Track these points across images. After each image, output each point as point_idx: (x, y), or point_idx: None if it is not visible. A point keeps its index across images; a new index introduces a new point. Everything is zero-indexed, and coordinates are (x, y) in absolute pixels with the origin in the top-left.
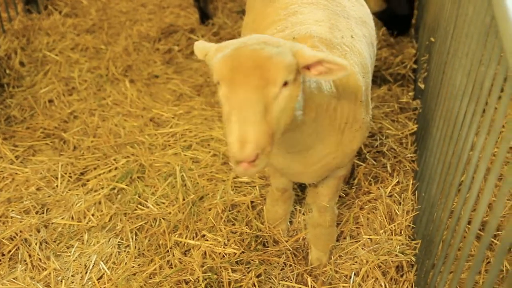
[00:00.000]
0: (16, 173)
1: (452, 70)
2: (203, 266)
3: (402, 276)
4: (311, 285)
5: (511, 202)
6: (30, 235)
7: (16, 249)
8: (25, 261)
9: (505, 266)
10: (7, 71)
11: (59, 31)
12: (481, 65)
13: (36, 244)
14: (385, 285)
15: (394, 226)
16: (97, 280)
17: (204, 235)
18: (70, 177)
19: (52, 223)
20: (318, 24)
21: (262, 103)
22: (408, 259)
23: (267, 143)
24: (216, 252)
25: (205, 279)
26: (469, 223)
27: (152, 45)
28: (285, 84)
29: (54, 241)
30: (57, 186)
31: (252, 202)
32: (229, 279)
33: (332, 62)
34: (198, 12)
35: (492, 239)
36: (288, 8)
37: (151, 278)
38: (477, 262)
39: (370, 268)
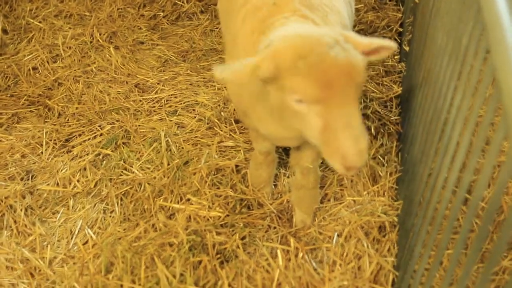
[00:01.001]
0: (0, 141)
1: (434, 30)
2: (187, 229)
3: (384, 236)
4: (294, 246)
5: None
6: (15, 202)
7: (1, 216)
8: (10, 227)
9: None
10: None
11: None
12: (460, 22)
13: (21, 210)
14: (368, 245)
15: (378, 187)
16: (82, 244)
17: (188, 199)
18: (55, 143)
19: (38, 190)
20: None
21: (359, 110)
22: (391, 220)
23: None
24: (200, 216)
25: (189, 242)
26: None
27: (137, 11)
28: None
29: (40, 207)
30: (42, 153)
31: (236, 166)
32: (213, 241)
33: (384, 46)
34: None
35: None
36: None
37: (135, 241)
38: (451, 221)
39: (353, 229)
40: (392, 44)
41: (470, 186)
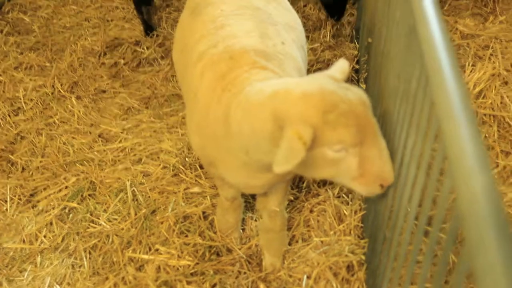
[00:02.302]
0: None
1: (386, 71)
2: (157, 280)
3: (353, 275)
4: None
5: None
6: None
7: None
8: None
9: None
10: None
11: (2, 50)
12: (408, 66)
13: None
14: (337, 286)
15: (343, 226)
16: None
17: (157, 249)
18: (20, 199)
19: (3, 248)
20: (248, 36)
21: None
22: (358, 259)
23: None
24: (170, 265)
25: None
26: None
27: (98, 60)
28: None
29: (6, 266)
30: (6, 209)
31: (203, 212)
32: None
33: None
34: (142, 24)
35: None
36: (216, 20)
37: None
38: (413, 255)
39: (322, 270)
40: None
41: (429, 219)
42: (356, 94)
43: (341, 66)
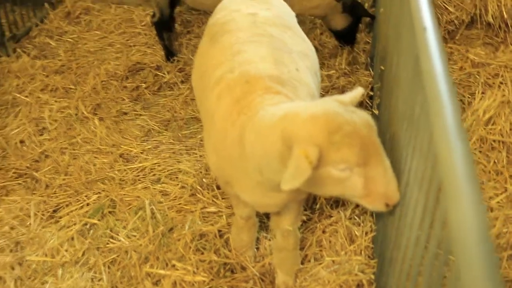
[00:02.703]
0: None
1: (396, 96)
2: None
3: None
4: None
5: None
6: (5, 273)
7: None
8: None
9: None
10: None
11: (29, 73)
12: (412, 92)
13: (11, 281)
14: None
15: (354, 247)
16: None
17: (174, 265)
18: (43, 215)
19: (26, 261)
20: (263, 61)
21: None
22: (368, 278)
23: None
24: (186, 281)
25: None
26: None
27: (120, 83)
28: None
29: (29, 278)
30: (30, 224)
31: (219, 231)
32: None
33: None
34: (164, 50)
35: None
36: (233, 47)
37: None
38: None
39: None
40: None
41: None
42: (361, 117)
43: (355, 92)
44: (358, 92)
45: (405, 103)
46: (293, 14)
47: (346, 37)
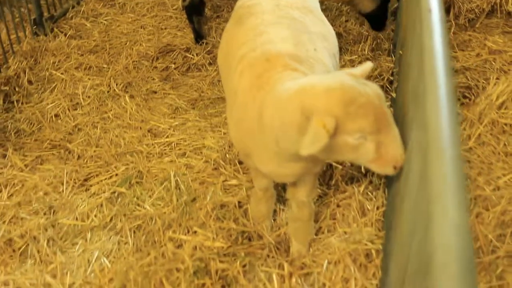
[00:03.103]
0: (25, 180)
1: (408, 79)
2: (192, 256)
3: (370, 262)
4: (288, 270)
5: None
6: (39, 233)
7: (26, 246)
8: (34, 256)
9: None
10: (17, 89)
11: (64, 52)
12: (419, 73)
13: (44, 241)
14: (354, 270)
15: (365, 220)
16: (99, 271)
17: (195, 231)
18: (75, 183)
19: (59, 223)
20: (284, 42)
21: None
22: (376, 248)
23: None
24: (206, 246)
25: (194, 267)
26: None
27: (151, 64)
28: None
29: (61, 239)
30: (62, 191)
31: (239, 202)
32: (216, 268)
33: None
34: (193, 32)
35: None
36: (256, 28)
37: (146, 268)
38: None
39: (342, 256)
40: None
41: None
42: (373, 88)
43: (364, 66)
44: (367, 66)
45: (414, 84)
46: None
47: (377, 21)
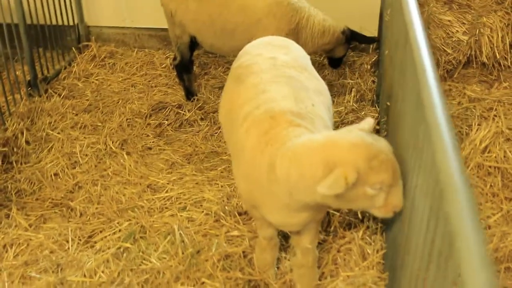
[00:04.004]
0: (30, 239)
1: (402, 127)
2: None
3: None
4: None
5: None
6: None
7: None
8: None
9: None
10: (15, 150)
11: (59, 112)
12: (416, 123)
13: None
14: None
15: (367, 263)
16: None
17: (203, 282)
18: (80, 240)
19: (67, 281)
20: (285, 99)
21: None
22: None
23: None
24: None
25: None
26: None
27: (144, 121)
28: None
29: None
30: (68, 248)
31: (243, 252)
32: None
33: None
34: (184, 90)
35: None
36: (257, 87)
37: None
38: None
39: None
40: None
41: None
42: (385, 144)
43: (368, 122)
44: (370, 121)
45: (409, 133)
46: (307, 56)
47: (339, 62)
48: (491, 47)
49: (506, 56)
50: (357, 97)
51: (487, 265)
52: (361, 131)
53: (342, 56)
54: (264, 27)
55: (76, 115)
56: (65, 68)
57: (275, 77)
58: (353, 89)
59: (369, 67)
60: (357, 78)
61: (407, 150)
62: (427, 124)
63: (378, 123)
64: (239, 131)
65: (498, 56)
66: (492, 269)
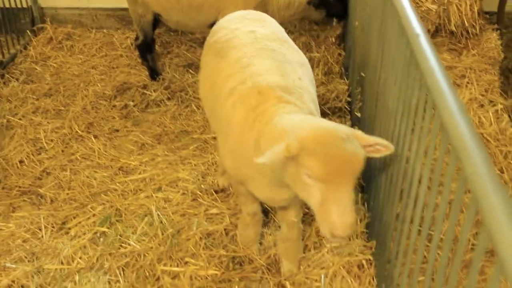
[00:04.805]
0: (0, 229)
1: (384, 96)
2: (192, 286)
3: (363, 272)
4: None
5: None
6: (27, 281)
7: None
8: None
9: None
10: None
11: (19, 97)
12: (408, 89)
13: None
14: (351, 281)
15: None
16: None
17: (186, 262)
18: (53, 227)
19: (44, 269)
20: (270, 73)
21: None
22: (367, 258)
23: None
24: (200, 275)
25: None
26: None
27: (109, 103)
28: None
29: (49, 285)
30: (42, 236)
31: (225, 229)
32: None
33: (382, 144)
34: (148, 70)
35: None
36: (241, 60)
37: None
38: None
39: (337, 269)
40: (389, 145)
41: (431, 220)
42: (354, 149)
43: (379, 142)
44: (383, 144)
45: (397, 100)
46: (283, 29)
47: (334, 15)
48: (459, 16)
49: (474, 24)
50: (325, 70)
51: None
52: (340, 128)
53: (327, 15)
54: (232, 1)
55: (37, 99)
56: (21, 52)
57: (258, 51)
58: (320, 63)
59: (334, 39)
60: (324, 51)
61: (394, 118)
62: (428, 88)
63: (349, 95)
64: (224, 106)
65: (466, 24)
66: None
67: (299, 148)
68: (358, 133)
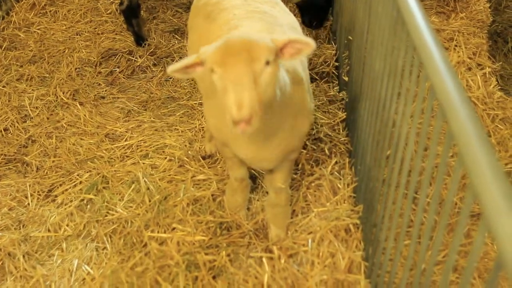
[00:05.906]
0: None
1: (371, 59)
2: (179, 251)
3: (350, 236)
4: (278, 253)
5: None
6: (14, 249)
7: (2, 263)
8: (12, 272)
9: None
10: None
11: (3, 64)
12: (394, 50)
13: (20, 256)
14: (338, 244)
15: (338, 197)
16: (82, 280)
17: (174, 228)
18: (39, 195)
19: (31, 237)
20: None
21: (251, 75)
22: (354, 222)
23: (258, 107)
24: (187, 241)
25: (184, 261)
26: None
27: (94, 69)
28: (268, 63)
29: (36, 252)
30: (28, 204)
31: (212, 195)
32: (203, 260)
33: (299, 41)
34: (133, 35)
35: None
36: (230, 23)
37: (132, 269)
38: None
39: (324, 233)
40: (309, 41)
41: (417, 184)
42: (248, 36)
43: (302, 40)
44: (302, 41)
45: (384, 61)
46: None
47: (311, 14)
48: None
49: None
50: (313, 35)
51: None
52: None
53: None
54: None
55: (21, 66)
56: (3, 18)
57: (249, 13)
58: (304, 28)
59: None
60: None
61: (380, 80)
62: (414, 47)
63: (336, 60)
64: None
65: None
66: None
67: (207, 52)
68: (274, 37)
